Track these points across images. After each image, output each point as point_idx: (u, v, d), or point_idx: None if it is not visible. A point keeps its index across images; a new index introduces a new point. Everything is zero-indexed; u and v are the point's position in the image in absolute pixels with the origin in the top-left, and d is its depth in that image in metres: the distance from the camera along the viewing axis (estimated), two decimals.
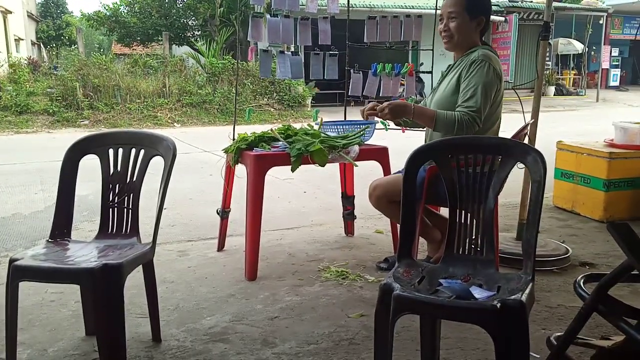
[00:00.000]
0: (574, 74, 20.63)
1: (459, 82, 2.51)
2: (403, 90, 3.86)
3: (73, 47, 17.02)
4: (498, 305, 1.43)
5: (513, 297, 1.49)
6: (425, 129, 2.77)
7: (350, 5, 3.92)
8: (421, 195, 2.47)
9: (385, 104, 2.48)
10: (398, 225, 2.26)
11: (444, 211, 2.94)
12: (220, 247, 3.36)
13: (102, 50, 26.77)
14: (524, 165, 1.83)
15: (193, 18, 18.62)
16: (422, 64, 13.37)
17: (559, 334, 1.76)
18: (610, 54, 20.40)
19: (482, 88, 2.42)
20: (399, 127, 3.11)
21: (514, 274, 1.73)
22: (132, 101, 12.13)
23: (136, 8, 19.31)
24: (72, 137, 2.47)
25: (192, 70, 13.63)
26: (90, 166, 2.63)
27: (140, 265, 2.07)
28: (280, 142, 2.88)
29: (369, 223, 3.91)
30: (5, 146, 8.71)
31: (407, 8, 15.61)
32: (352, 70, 3.70)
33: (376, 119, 3.09)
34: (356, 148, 2.83)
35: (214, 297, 2.64)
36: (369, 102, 2.64)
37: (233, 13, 15.98)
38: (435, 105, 2.61)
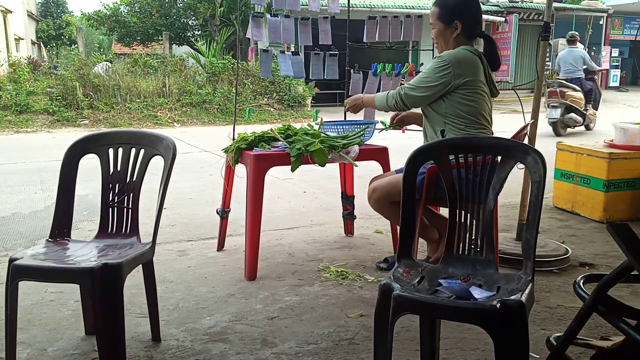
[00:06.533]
0: None
1: None
2: None
3: (73, 47, 16.96)
4: (498, 305, 1.43)
5: (513, 297, 1.49)
6: (422, 129, 2.78)
7: (350, 5, 3.93)
8: (421, 195, 2.47)
9: (346, 100, 2.97)
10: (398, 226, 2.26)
11: (444, 211, 2.94)
12: (220, 247, 3.36)
13: (102, 49, 26.77)
14: (523, 166, 1.83)
15: (193, 18, 18.61)
16: (422, 64, 13.34)
17: (558, 334, 1.76)
18: (610, 54, 20.38)
19: (424, 72, 2.60)
20: (399, 127, 3.12)
21: (513, 274, 1.73)
22: (132, 101, 12.13)
23: (136, 8, 19.30)
24: (72, 137, 2.48)
25: (192, 70, 13.62)
26: (90, 166, 2.63)
27: (140, 265, 2.07)
28: (280, 142, 2.88)
29: (369, 223, 3.91)
30: (5, 145, 8.70)
31: (407, 8, 15.62)
32: (352, 70, 3.71)
33: (376, 118, 3.11)
34: (356, 148, 2.84)
35: (214, 296, 2.64)
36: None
37: (233, 13, 15.98)
38: None
